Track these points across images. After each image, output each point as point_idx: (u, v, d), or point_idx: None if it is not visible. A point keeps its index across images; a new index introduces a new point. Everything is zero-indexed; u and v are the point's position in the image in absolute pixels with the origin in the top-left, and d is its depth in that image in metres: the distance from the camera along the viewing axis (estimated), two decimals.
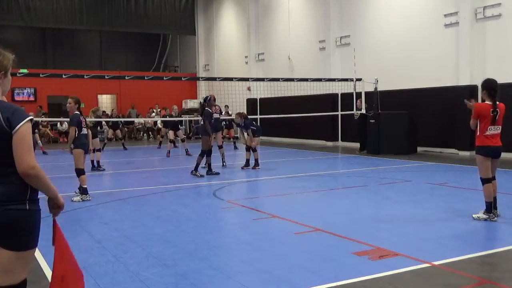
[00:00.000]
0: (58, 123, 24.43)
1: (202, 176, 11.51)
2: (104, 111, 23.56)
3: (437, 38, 16.58)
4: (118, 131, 20.91)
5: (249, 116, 14.13)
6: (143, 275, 4.71)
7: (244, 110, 21.61)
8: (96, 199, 8.85)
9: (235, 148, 19.35)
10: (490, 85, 6.67)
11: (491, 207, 6.68)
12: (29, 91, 26.56)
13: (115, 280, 4.61)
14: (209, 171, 11.86)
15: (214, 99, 12.89)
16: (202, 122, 12.16)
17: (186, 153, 17.07)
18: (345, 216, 7.36)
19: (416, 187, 9.90)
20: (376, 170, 12.56)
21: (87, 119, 10.66)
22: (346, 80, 18.28)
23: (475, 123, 6.69)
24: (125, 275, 4.73)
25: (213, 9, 29.68)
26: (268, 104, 23.21)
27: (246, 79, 20.39)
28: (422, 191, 9.40)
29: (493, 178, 6.75)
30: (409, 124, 16.20)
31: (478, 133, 6.70)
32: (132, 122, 27.16)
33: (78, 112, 8.90)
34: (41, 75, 16.31)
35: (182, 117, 21.70)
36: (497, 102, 6.63)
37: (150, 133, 27.69)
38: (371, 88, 17.18)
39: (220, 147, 13.77)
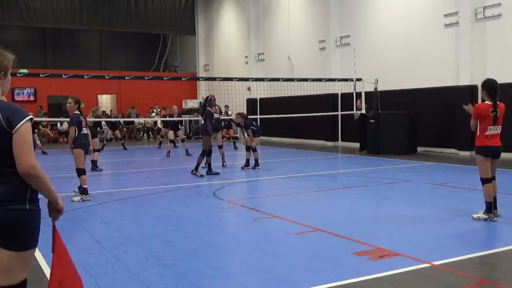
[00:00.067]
0: (58, 123, 24.43)
1: (202, 176, 11.51)
2: (104, 111, 23.56)
3: (437, 38, 16.58)
4: (117, 132, 20.89)
5: (249, 116, 14.14)
6: (143, 275, 4.71)
7: (244, 110, 21.63)
8: (96, 199, 8.85)
9: (235, 148, 19.35)
10: (490, 85, 6.67)
11: (491, 207, 6.68)
12: (29, 91, 26.56)
13: (115, 280, 4.61)
14: (209, 171, 11.87)
15: (215, 99, 12.91)
16: (202, 122, 12.16)
17: (186, 153, 17.07)
18: (345, 216, 7.36)
19: (416, 187, 9.91)
20: (376, 170, 12.56)
21: (87, 119, 10.66)
22: (346, 80, 18.28)
23: (475, 124, 6.68)
24: (125, 275, 4.73)
25: (213, 9, 29.68)
26: (268, 104, 23.21)
27: (246, 79, 20.39)
28: (422, 191, 9.40)
29: (493, 178, 6.75)
30: (409, 124, 16.20)
31: (478, 133, 6.70)
32: (132, 122, 27.17)
33: (78, 112, 8.90)
34: (41, 75, 16.32)
35: (182, 117, 21.70)
36: (497, 102, 6.63)
37: (150, 133, 27.70)
38: (371, 88, 17.18)
39: (220, 147, 13.77)
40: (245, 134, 13.23)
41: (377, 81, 17.10)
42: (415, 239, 5.88)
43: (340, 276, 4.56)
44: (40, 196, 2.87)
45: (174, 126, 17.99)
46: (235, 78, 18.47)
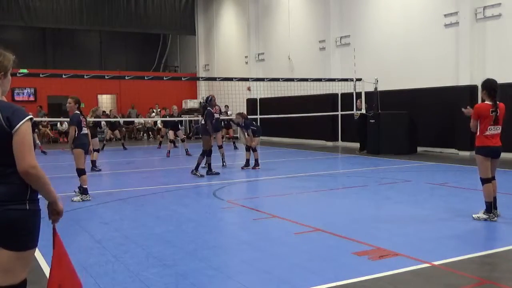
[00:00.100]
0: (58, 123, 24.44)
1: (202, 176, 11.51)
2: (104, 111, 23.55)
3: (437, 38, 16.58)
4: (116, 132, 20.90)
5: (249, 116, 14.15)
6: (143, 275, 4.71)
7: (244, 110, 21.63)
8: (96, 199, 8.85)
9: (235, 148, 19.35)
10: (490, 85, 6.67)
11: (491, 207, 6.68)
12: (29, 91, 26.56)
13: (115, 280, 4.61)
14: (209, 171, 11.87)
15: (215, 99, 12.93)
16: (202, 122, 12.17)
17: (186, 153, 17.08)
18: (345, 216, 7.36)
19: (416, 187, 9.91)
20: (376, 170, 12.56)
21: (88, 119, 10.65)
22: (346, 80, 18.28)
23: (476, 124, 6.68)
24: (125, 275, 4.73)
25: (213, 9, 29.67)
26: (268, 104, 23.21)
27: (246, 79, 20.39)
28: (422, 191, 9.40)
29: (493, 178, 6.76)
30: (409, 124, 16.20)
31: (478, 133, 6.70)
32: (132, 122, 27.17)
33: (78, 112, 8.90)
34: (41, 75, 16.32)
35: (182, 117, 21.70)
36: (497, 102, 6.63)
37: (150, 133, 27.70)
38: (371, 88, 17.18)
39: (220, 147, 13.77)
40: (245, 134, 13.23)
41: (377, 81, 17.10)
42: (415, 239, 5.88)
43: (340, 276, 4.56)
44: (40, 196, 2.87)
45: (174, 126, 17.99)
46: (235, 78, 18.47)
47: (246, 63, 26.18)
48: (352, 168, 13.15)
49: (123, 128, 25.13)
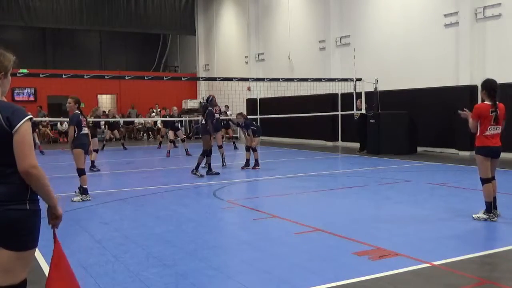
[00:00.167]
0: (58, 123, 24.44)
1: (202, 176, 11.51)
2: (104, 111, 23.55)
3: (437, 38, 16.58)
4: (116, 132, 20.91)
5: (248, 116, 14.16)
6: (143, 275, 4.71)
7: (244, 110, 21.65)
8: (96, 199, 8.85)
9: (235, 148, 19.35)
10: (489, 85, 6.68)
11: (491, 207, 6.68)
12: (29, 91, 26.57)
13: (115, 280, 4.61)
14: (209, 171, 11.87)
15: (215, 99, 12.95)
16: (203, 122, 12.17)
17: (186, 153, 17.08)
18: (345, 216, 7.36)
19: (416, 187, 9.91)
20: (376, 170, 12.56)
21: (88, 119, 10.64)
22: (346, 80, 18.28)
23: (476, 125, 6.67)
24: (125, 275, 4.73)
25: (213, 9, 29.68)
26: (268, 104, 23.21)
27: (246, 79, 20.39)
28: (422, 191, 9.40)
29: (493, 178, 6.76)
30: (409, 124, 16.20)
31: (478, 133, 6.70)
32: (132, 122, 27.17)
33: (79, 112, 8.89)
34: (41, 75, 16.32)
35: (182, 117, 21.70)
36: (497, 102, 6.63)
37: (150, 133, 27.71)
38: (371, 88, 17.18)
39: (220, 147, 13.77)
40: (246, 134, 13.24)
41: (377, 81, 17.10)
42: (415, 239, 5.88)
43: (340, 276, 4.56)
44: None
45: (173, 127, 18.02)
46: (235, 78, 18.47)
47: (246, 63, 26.18)
48: (352, 168, 13.15)
49: (122, 128, 25.13)
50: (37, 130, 21.26)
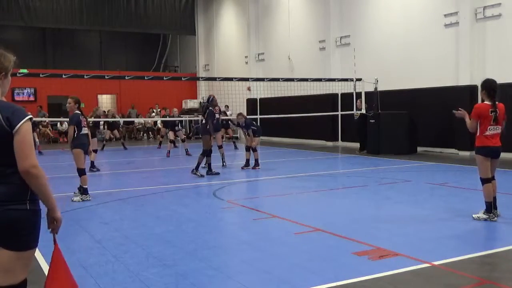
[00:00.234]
0: (58, 123, 24.44)
1: (202, 176, 11.51)
2: (104, 111, 23.56)
3: (437, 38, 16.58)
4: (115, 132, 20.92)
5: (248, 116, 14.16)
6: (143, 275, 4.71)
7: (244, 110, 21.67)
8: (96, 199, 8.85)
9: (236, 148, 19.35)
10: (489, 85, 6.68)
11: (491, 207, 6.68)
12: (29, 91, 26.57)
13: (115, 280, 4.61)
14: (209, 171, 11.87)
15: (216, 99, 12.95)
16: (203, 122, 12.17)
17: (186, 153, 17.08)
18: (345, 216, 7.36)
19: (416, 187, 9.91)
20: (376, 170, 12.56)
21: (88, 119, 10.63)
22: (346, 80, 18.28)
23: (475, 125, 6.67)
24: (125, 275, 4.73)
25: (213, 9, 29.67)
26: (268, 104, 23.21)
27: (246, 79, 20.39)
28: (422, 191, 9.40)
29: (493, 178, 6.76)
30: (409, 124, 16.20)
31: (478, 134, 6.70)
32: (132, 122, 27.17)
33: (79, 112, 8.88)
34: (41, 75, 16.32)
35: (181, 117, 21.70)
36: (497, 102, 6.63)
37: (150, 133, 27.71)
38: (371, 88, 17.18)
39: (220, 147, 13.77)
40: (246, 134, 13.24)
41: (377, 81, 17.10)
42: (415, 239, 5.88)
43: (340, 276, 4.56)
44: None
45: (174, 127, 18.02)
46: (235, 78, 18.46)
47: (246, 63, 26.18)
48: (352, 168, 13.15)
49: (122, 128, 25.14)
50: (37, 130, 21.26)
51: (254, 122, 14.03)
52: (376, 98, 16.76)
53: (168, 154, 16.88)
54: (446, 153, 16.00)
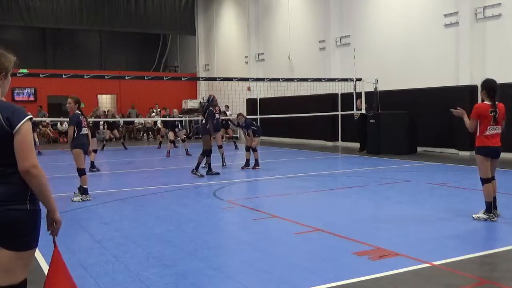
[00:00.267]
0: (58, 123, 24.45)
1: (202, 176, 11.51)
2: (104, 111, 23.56)
3: (437, 38, 16.58)
4: (115, 131, 20.92)
5: (249, 116, 14.16)
6: (143, 275, 4.71)
7: (244, 110, 21.67)
8: (96, 199, 8.85)
9: (236, 148, 19.35)
10: (489, 85, 6.68)
11: (491, 207, 6.68)
12: (29, 91, 26.57)
13: (115, 280, 4.61)
14: (209, 171, 11.87)
15: (216, 99, 12.97)
16: (203, 122, 12.17)
17: (186, 153, 17.08)
18: (345, 216, 7.36)
19: (416, 187, 9.91)
20: (376, 170, 12.56)
21: (88, 119, 10.62)
22: (346, 80, 18.28)
23: (475, 124, 6.68)
24: (125, 275, 4.73)
25: (213, 9, 29.68)
26: (268, 104, 23.21)
27: (246, 79, 20.39)
28: (422, 191, 9.40)
29: (493, 178, 6.76)
30: (409, 124, 16.20)
31: (478, 134, 6.70)
32: (132, 122, 27.17)
33: (79, 112, 8.88)
34: (41, 75, 16.32)
35: (182, 117, 21.71)
36: (496, 102, 6.64)
37: (150, 133, 27.71)
38: (371, 88, 17.18)
39: (220, 147, 13.77)
40: (246, 134, 13.24)
41: (377, 81, 17.10)
42: (415, 239, 5.88)
43: (340, 276, 4.56)
44: None
45: (174, 127, 18.03)
46: (235, 78, 18.46)
47: (246, 63, 26.18)
48: (352, 168, 13.15)
49: (121, 128, 25.15)
50: (37, 130, 21.26)
51: (254, 122, 14.04)
52: (376, 98, 16.76)
53: (168, 154, 16.88)
54: (446, 153, 16.00)
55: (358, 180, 10.93)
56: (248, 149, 13.14)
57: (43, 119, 23.02)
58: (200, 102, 28.07)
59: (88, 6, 27.37)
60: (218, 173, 11.89)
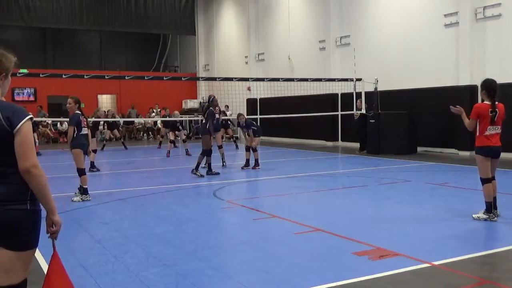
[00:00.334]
0: (58, 123, 24.45)
1: (202, 176, 11.51)
2: (104, 111, 23.55)
3: (437, 38, 16.58)
4: (115, 131, 20.93)
5: (248, 116, 14.17)
6: (143, 275, 4.72)
7: (244, 110, 21.67)
8: (96, 199, 8.85)
9: (237, 147, 19.35)
10: (489, 85, 6.68)
11: (491, 207, 6.68)
12: (29, 91, 26.57)
13: (115, 280, 4.61)
14: (209, 171, 11.87)
15: (216, 99, 12.97)
16: (203, 122, 12.18)
17: (186, 153, 17.08)
18: (345, 216, 7.37)
19: (416, 187, 9.91)
20: (376, 170, 12.56)
21: (88, 119, 10.62)
22: (346, 80, 18.28)
23: (474, 124, 6.68)
24: (125, 275, 4.73)
25: (213, 9, 29.68)
26: (268, 104, 23.21)
27: (246, 79, 20.38)
28: (422, 191, 9.40)
29: (493, 178, 6.76)
30: (409, 124, 16.20)
31: (477, 134, 6.70)
32: (132, 122, 27.17)
33: (79, 112, 8.88)
34: (41, 75, 16.32)
35: (182, 117, 21.70)
36: (496, 103, 6.64)
37: (150, 133, 27.71)
38: (371, 88, 17.18)
39: (220, 147, 13.77)
40: (246, 134, 13.25)
41: (377, 81, 17.10)
42: (415, 239, 5.88)
43: (340, 276, 4.56)
44: None
45: (174, 128, 18.02)
46: (235, 78, 18.46)
47: (246, 63, 26.18)
48: (352, 168, 13.15)
49: (121, 128, 25.15)
50: (37, 130, 21.26)
51: (254, 122, 14.04)
52: (376, 98, 16.76)
53: (168, 154, 16.88)
54: (446, 153, 16.00)
55: (358, 180, 10.93)
56: (248, 149, 13.15)
57: (43, 119, 23.02)
58: (200, 102, 28.08)
59: (88, 6, 27.37)
60: (218, 173, 11.89)
